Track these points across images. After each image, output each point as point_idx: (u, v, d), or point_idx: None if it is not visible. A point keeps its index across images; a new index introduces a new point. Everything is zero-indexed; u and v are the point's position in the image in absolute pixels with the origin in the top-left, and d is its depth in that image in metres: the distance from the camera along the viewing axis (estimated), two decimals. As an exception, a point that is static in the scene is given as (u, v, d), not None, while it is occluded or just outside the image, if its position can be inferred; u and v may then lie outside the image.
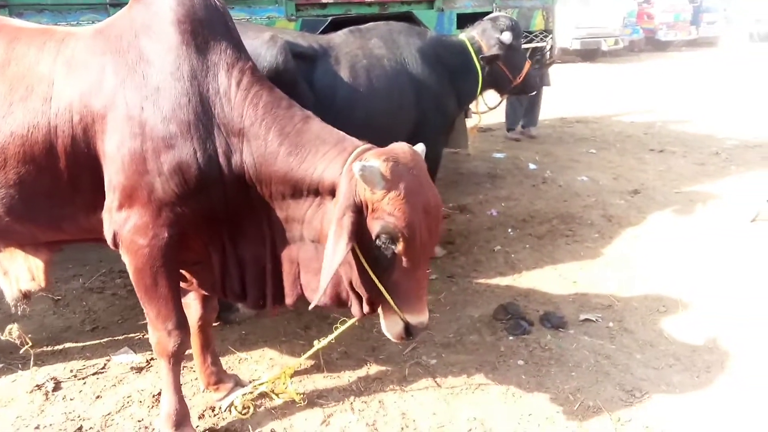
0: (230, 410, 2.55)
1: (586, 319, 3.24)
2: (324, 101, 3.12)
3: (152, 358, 2.95)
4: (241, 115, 2.03)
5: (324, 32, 3.75)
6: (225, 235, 2.20)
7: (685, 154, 6.57)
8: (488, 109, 4.54)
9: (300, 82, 3.02)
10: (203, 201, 2.05)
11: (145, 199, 2.01)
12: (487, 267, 3.96)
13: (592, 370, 2.80)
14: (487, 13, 4.20)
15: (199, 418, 2.54)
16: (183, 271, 2.38)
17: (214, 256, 2.23)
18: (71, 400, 2.70)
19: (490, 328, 3.18)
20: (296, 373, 2.80)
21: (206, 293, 2.49)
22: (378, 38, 3.48)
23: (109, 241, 2.16)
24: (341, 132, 2.10)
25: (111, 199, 2.08)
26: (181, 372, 2.81)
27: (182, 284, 2.45)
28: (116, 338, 3.19)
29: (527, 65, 4.10)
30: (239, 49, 2.12)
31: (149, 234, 2.04)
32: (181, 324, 2.21)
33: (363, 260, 1.95)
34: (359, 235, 1.91)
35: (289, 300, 2.20)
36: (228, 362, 2.95)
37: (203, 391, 2.68)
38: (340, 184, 1.93)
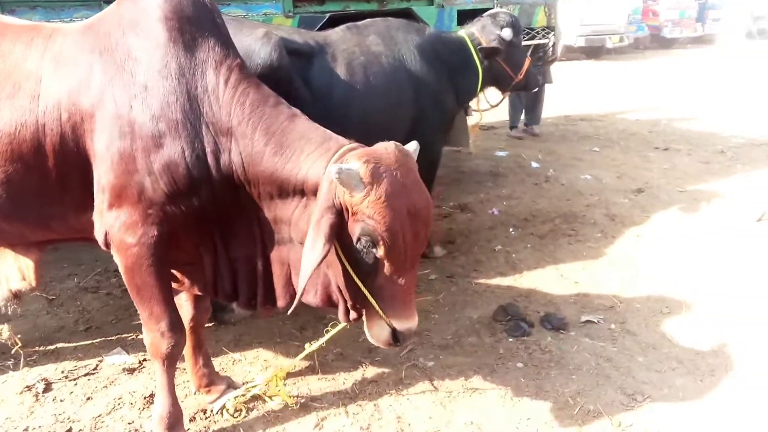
0: (222, 413, 2.51)
1: (588, 321, 3.18)
2: (320, 99, 3.07)
3: (145, 359, 2.91)
4: (228, 114, 1.98)
5: (322, 29, 3.69)
6: (216, 235, 2.16)
7: (690, 153, 6.48)
8: (490, 107, 4.47)
9: (295, 79, 2.96)
10: (192, 200, 2.01)
11: (135, 199, 1.98)
12: (488, 267, 3.90)
13: (593, 373, 2.74)
14: (488, 10, 4.12)
15: (191, 420, 2.50)
16: (174, 272, 2.34)
17: (206, 256, 2.20)
18: (61, 401, 2.66)
19: (490, 329, 3.12)
20: (291, 375, 2.75)
21: (198, 293, 2.45)
22: (376, 35, 3.41)
23: (101, 242, 2.13)
24: (327, 131, 2.03)
25: (101, 199, 2.05)
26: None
27: (174, 284, 2.41)
28: (109, 338, 3.15)
29: (528, 62, 4.03)
30: (227, 46, 2.08)
31: (138, 233, 2.00)
32: (175, 325, 2.17)
33: (346, 263, 1.90)
34: (341, 237, 1.85)
35: (281, 302, 2.15)
36: (222, 363, 2.90)
37: (195, 394, 2.64)
38: (320, 186, 1.88)
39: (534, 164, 6.14)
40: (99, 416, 2.55)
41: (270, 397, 2.56)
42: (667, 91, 10.52)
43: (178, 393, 2.66)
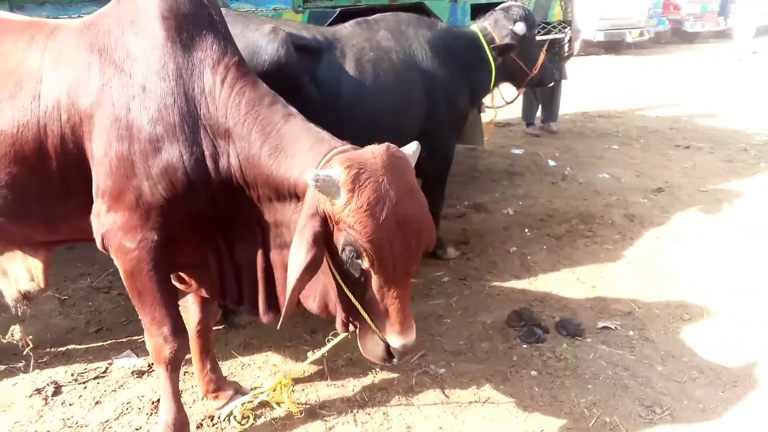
0: (229, 420, 2.47)
1: (605, 327, 3.09)
2: (328, 96, 3.01)
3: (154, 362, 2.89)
4: (225, 116, 1.93)
5: (332, 24, 3.62)
6: (220, 238, 2.13)
7: (712, 151, 6.31)
8: (505, 104, 4.38)
9: (302, 76, 2.90)
10: (192, 204, 1.97)
11: (133, 203, 1.94)
12: (502, 269, 3.82)
13: (610, 382, 2.66)
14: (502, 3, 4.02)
15: (198, 427, 2.47)
16: (181, 274, 2.31)
17: (211, 259, 2.16)
18: (70, 405, 2.65)
19: (503, 335, 3.05)
20: (299, 381, 2.71)
21: (206, 296, 2.41)
22: (386, 30, 3.34)
23: (99, 245, 2.11)
24: (322, 132, 1.94)
25: (99, 202, 2.02)
26: (182, 378, 2.76)
27: (181, 286, 2.39)
28: (120, 340, 3.14)
29: (543, 56, 3.93)
30: (226, 44, 2.02)
31: (138, 237, 1.97)
32: (178, 329, 2.13)
33: (336, 274, 1.81)
34: (330, 246, 1.76)
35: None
36: (230, 367, 2.87)
37: (202, 399, 2.61)
38: (307, 191, 1.80)
39: (551, 162, 6.02)
40: (107, 421, 2.53)
41: (278, 404, 2.52)
42: (688, 87, 10.27)
43: (186, 398, 2.65)
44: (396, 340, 1.78)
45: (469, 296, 3.48)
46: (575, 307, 3.32)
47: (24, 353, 2.87)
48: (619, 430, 2.37)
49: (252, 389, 2.60)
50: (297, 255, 1.72)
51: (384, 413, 2.50)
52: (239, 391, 2.58)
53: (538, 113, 7.25)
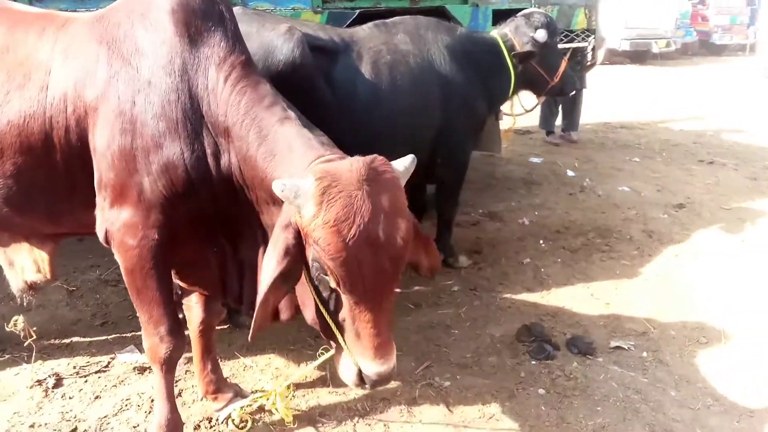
0: (227, 423, 2.43)
1: (617, 347, 2.99)
2: (343, 98, 2.96)
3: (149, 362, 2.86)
4: (224, 114, 1.90)
5: (351, 26, 3.58)
6: (222, 237, 2.10)
7: (736, 167, 6.14)
8: (524, 111, 4.29)
9: (317, 77, 2.86)
10: (193, 202, 1.95)
11: (135, 199, 1.93)
12: (514, 281, 3.73)
13: (620, 405, 2.56)
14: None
15: (195, 428, 2.44)
16: (184, 271, 2.28)
17: (212, 258, 2.14)
18: (70, 398, 2.64)
19: (512, 350, 2.97)
20: (301, 387, 2.67)
21: (208, 295, 2.38)
22: (404, 33, 3.28)
23: (101, 239, 2.09)
24: (315, 138, 1.85)
25: (103, 196, 2.01)
26: (183, 377, 2.73)
27: (184, 285, 2.36)
28: (124, 335, 3.12)
29: (564, 64, 3.84)
30: (234, 42, 1.98)
31: (139, 235, 1.95)
32: (174, 329, 2.11)
33: (310, 288, 1.73)
34: (304, 260, 1.67)
35: (284, 315, 2.05)
36: (232, 369, 2.83)
37: (201, 400, 2.57)
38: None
39: (570, 172, 5.91)
40: (105, 417, 2.51)
41: (277, 410, 2.47)
42: (714, 101, 10.06)
43: (186, 397, 2.62)
44: (369, 367, 1.65)
45: (479, 307, 3.40)
46: (588, 324, 3.22)
47: (26, 344, 2.87)
48: (628, 456, 2.29)
49: (252, 392, 2.56)
50: (266, 266, 1.65)
51: (385, 425, 2.44)
52: (239, 393, 2.54)
53: (558, 122, 7.14)
